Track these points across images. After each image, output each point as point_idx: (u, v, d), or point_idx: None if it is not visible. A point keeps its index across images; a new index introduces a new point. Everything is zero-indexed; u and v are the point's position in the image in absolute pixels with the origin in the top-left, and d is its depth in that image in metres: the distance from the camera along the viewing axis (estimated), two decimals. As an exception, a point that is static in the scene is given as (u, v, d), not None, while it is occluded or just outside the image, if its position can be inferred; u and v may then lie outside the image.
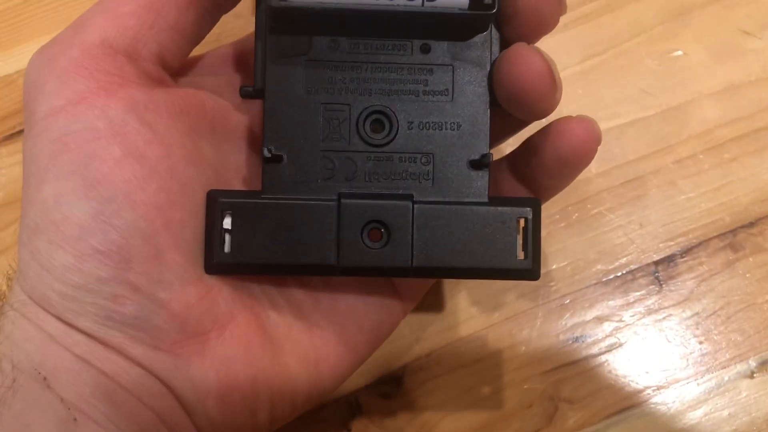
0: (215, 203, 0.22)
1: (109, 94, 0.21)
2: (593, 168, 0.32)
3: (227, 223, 0.22)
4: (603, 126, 0.33)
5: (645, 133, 0.33)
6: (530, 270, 0.23)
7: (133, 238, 0.20)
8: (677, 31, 0.34)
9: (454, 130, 0.23)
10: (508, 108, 0.23)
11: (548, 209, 0.29)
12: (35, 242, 0.20)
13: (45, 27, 0.33)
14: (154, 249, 0.21)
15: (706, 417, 0.29)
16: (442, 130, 0.23)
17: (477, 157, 0.23)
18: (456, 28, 0.23)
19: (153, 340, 0.21)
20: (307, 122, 0.23)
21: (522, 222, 0.23)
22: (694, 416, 0.29)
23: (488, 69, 0.23)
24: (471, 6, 0.22)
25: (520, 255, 0.23)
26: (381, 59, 0.23)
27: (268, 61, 0.23)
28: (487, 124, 0.23)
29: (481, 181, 0.23)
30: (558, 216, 0.32)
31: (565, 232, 0.32)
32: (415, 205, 0.22)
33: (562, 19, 0.34)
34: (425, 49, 0.23)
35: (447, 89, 0.23)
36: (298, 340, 0.23)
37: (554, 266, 0.31)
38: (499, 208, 0.23)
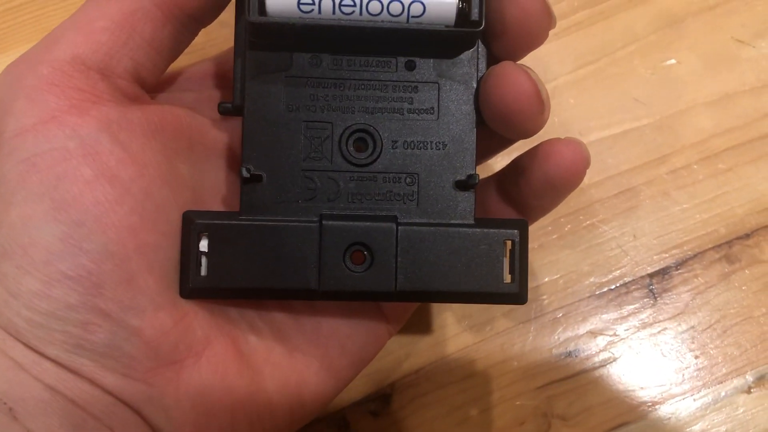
0: (191, 225, 0.21)
1: (81, 113, 0.20)
2: (586, 179, 0.32)
3: (203, 245, 0.21)
4: (595, 136, 0.33)
5: (638, 143, 0.32)
6: (517, 294, 0.22)
7: (103, 262, 0.19)
8: (671, 39, 0.34)
9: (439, 149, 0.23)
10: (493, 127, 0.23)
11: (540, 221, 0.28)
12: (2, 267, 0.19)
13: (26, 36, 0.32)
14: (126, 274, 0.20)
15: (703, 433, 0.29)
16: (427, 149, 0.23)
17: (463, 177, 0.22)
18: (442, 45, 0.23)
19: (125, 369, 0.20)
20: (288, 141, 0.22)
21: (509, 244, 0.22)
22: (690, 433, 0.29)
23: (475, 87, 0.23)
24: (457, 23, 0.21)
25: (507, 278, 0.22)
26: (364, 76, 0.22)
27: (248, 78, 0.22)
28: (474, 144, 0.23)
29: (467, 202, 0.23)
30: (550, 228, 0.31)
31: (557, 244, 0.31)
32: (399, 227, 0.22)
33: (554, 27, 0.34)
34: (410, 66, 0.23)
35: (432, 107, 0.23)
36: (278, 365, 0.23)
37: (546, 279, 0.30)
38: (486, 230, 0.22)
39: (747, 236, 0.31)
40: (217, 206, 0.23)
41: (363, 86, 0.22)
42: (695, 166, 0.32)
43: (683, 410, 0.29)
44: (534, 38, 0.22)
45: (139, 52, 0.21)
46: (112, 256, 0.20)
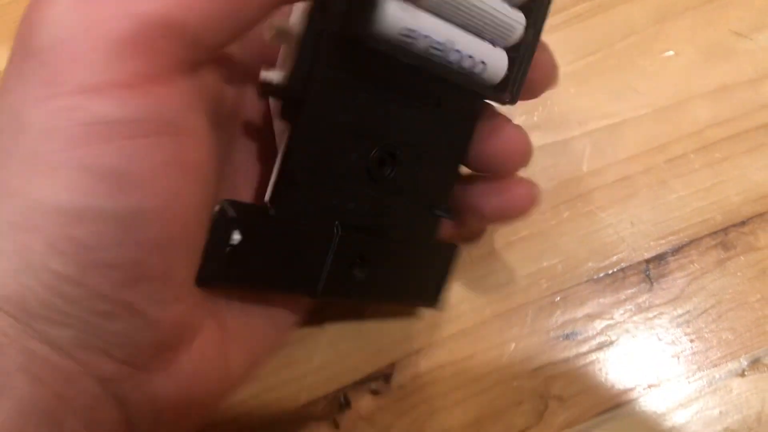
0: (225, 217, 0.20)
1: (166, 83, 0.17)
2: (584, 166, 0.32)
3: (236, 239, 0.20)
4: (594, 125, 0.33)
5: (636, 132, 0.33)
6: (439, 300, 0.28)
7: (151, 255, 0.17)
8: (669, 31, 0.34)
9: (434, 179, 0.25)
10: (475, 169, 0.26)
11: (539, 207, 0.29)
12: (23, 237, 0.17)
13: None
14: (166, 267, 0.18)
15: (697, 415, 0.29)
16: (429, 177, 0.25)
17: (440, 209, 0.26)
18: (477, 98, 0.25)
19: (127, 356, 0.18)
20: (329, 149, 0.22)
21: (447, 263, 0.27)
22: (684, 415, 0.29)
23: (471, 130, 0.25)
24: (499, 85, 0.24)
25: (438, 289, 0.27)
26: (402, 102, 0.23)
27: (316, 80, 0.21)
28: (456, 179, 0.26)
29: (437, 227, 0.26)
30: (549, 214, 0.32)
31: (555, 230, 0.32)
32: (392, 244, 0.25)
33: (555, 20, 0.35)
34: (437, 103, 0.24)
35: (441, 142, 0.25)
36: (240, 345, 0.22)
37: (545, 264, 0.31)
38: (440, 252, 0.27)
39: (742, 224, 0.32)
40: (245, 191, 0.24)
41: (399, 111, 0.23)
42: (692, 156, 0.33)
43: (678, 393, 0.29)
44: (543, 91, 0.25)
45: (234, 31, 0.19)
46: (161, 250, 0.18)
